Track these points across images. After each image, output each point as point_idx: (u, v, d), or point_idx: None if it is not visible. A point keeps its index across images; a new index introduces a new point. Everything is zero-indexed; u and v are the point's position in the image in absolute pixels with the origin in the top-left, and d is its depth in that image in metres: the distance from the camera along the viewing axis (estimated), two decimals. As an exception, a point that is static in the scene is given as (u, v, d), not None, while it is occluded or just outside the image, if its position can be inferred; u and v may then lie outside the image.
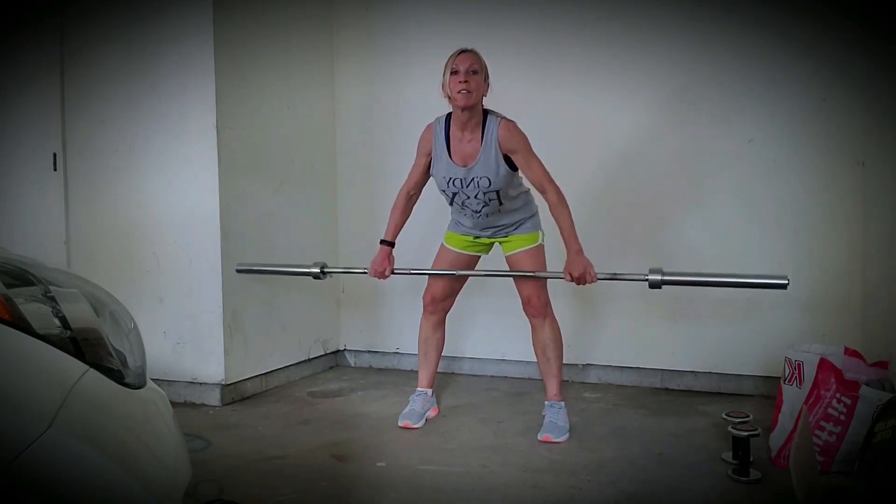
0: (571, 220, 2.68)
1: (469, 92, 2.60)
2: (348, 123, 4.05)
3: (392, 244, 2.95)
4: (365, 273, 3.00)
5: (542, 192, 2.72)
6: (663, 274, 2.66)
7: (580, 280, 2.66)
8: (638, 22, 3.45)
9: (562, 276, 2.70)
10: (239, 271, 3.31)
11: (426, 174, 2.85)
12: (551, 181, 2.69)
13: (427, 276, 3.02)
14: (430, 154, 2.79)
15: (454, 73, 2.63)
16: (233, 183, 3.31)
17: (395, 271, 2.96)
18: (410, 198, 2.92)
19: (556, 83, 3.57)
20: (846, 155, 3.18)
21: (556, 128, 3.54)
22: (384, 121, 3.95)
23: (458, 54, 2.66)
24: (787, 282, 2.58)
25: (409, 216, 2.97)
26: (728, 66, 3.32)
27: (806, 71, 3.21)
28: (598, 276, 2.67)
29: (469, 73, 2.61)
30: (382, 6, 3.95)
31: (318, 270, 3.17)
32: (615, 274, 2.76)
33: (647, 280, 2.67)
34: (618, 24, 3.48)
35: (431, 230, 3.31)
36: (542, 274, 2.82)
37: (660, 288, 2.71)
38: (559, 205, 2.68)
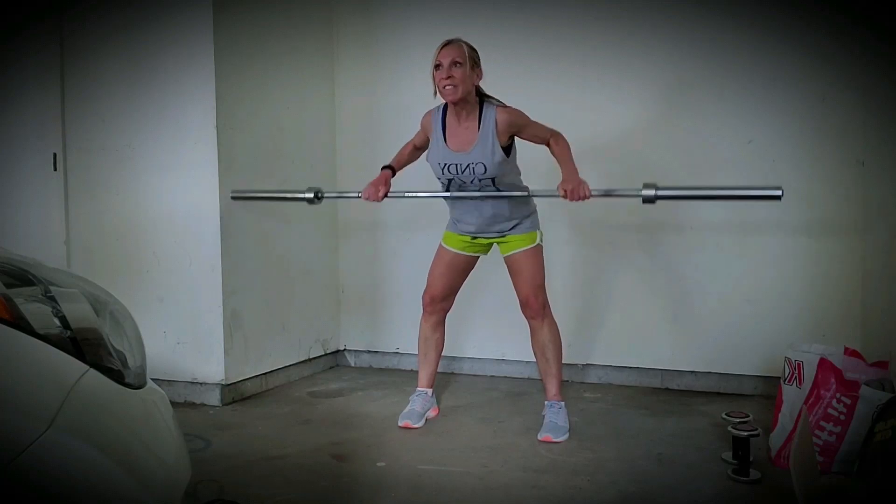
0: (570, 149, 2.71)
1: (454, 86, 2.61)
2: (348, 123, 4.05)
3: (394, 171, 2.95)
4: (359, 197, 2.96)
5: (552, 139, 2.74)
6: (657, 188, 2.65)
7: (573, 193, 2.60)
8: (637, 22, 3.44)
9: (556, 193, 2.65)
10: (234, 198, 3.29)
11: (426, 142, 2.87)
12: (552, 129, 2.74)
13: (427, 276, 3.01)
14: (428, 136, 2.83)
15: (438, 67, 2.64)
16: (233, 183, 3.31)
17: (390, 194, 2.92)
18: (416, 148, 2.97)
19: (556, 83, 3.57)
20: (846, 155, 3.18)
21: (554, 126, 3.53)
22: (384, 121, 3.95)
23: (441, 47, 2.67)
24: (780, 192, 2.56)
25: (414, 160, 2.99)
26: (728, 65, 3.32)
27: (806, 71, 3.21)
28: (592, 192, 2.62)
29: (452, 66, 2.61)
30: (382, 6, 3.95)
31: (313, 195, 3.18)
32: (609, 190, 2.73)
33: (640, 195, 2.66)
34: (617, 24, 3.48)
35: (431, 229, 3.32)
36: (537, 192, 2.78)
37: (654, 202, 2.67)
38: (561, 138, 2.72)
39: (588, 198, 2.61)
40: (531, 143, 2.78)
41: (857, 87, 3.13)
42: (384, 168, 2.95)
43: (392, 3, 3.93)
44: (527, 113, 2.76)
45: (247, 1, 3.41)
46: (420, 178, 3.10)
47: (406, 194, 3.03)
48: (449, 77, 2.61)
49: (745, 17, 3.28)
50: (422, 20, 3.84)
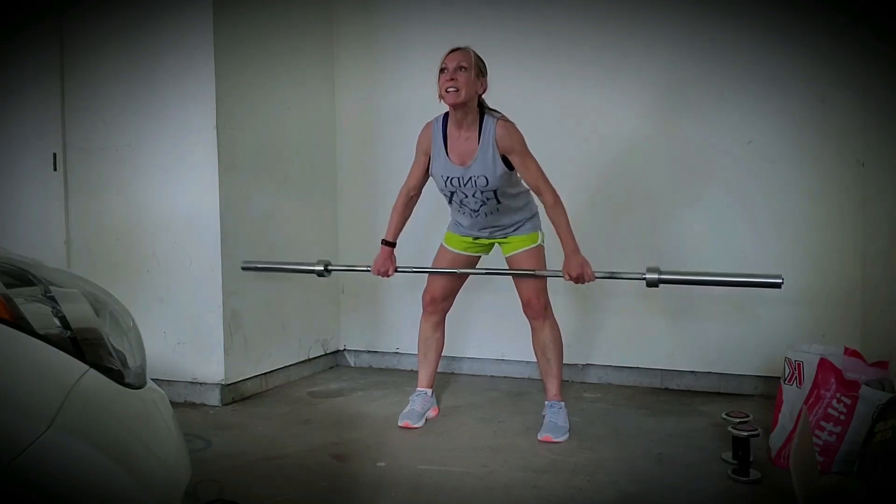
0: (567, 220, 2.70)
1: (457, 90, 2.60)
2: (348, 123, 4.05)
3: (393, 244, 2.96)
4: (368, 271, 3.01)
5: (538, 194, 2.73)
6: (660, 273, 2.69)
7: (578, 279, 2.68)
8: (637, 23, 3.45)
9: (561, 274, 2.72)
10: (244, 269, 3.35)
11: (426, 174, 2.85)
12: (547, 182, 2.69)
13: (427, 276, 3.02)
14: (428, 153, 2.79)
15: (443, 70, 2.64)
16: (233, 183, 3.31)
17: (399, 269, 2.97)
18: (411, 198, 2.93)
19: (555, 83, 3.57)
20: (846, 155, 3.18)
21: (554, 128, 3.54)
22: (384, 120, 3.95)
23: (449, 53, 2.67)
24: (781, 281, 2.60)
25: (409, 216, 2.97)
26: (728, 66, 3.32)
27: (806, 71, 3.21)
28: (596, 274, 2.69)
29: (457, 70, 2.61)
30: (382, 6, 3.95)
31: (322, 268, 3.25)
32: (613, 273, 2.79)
33: (644, 279, 2.70)
34: (617, 25, 3.48)
35: (431, 230, 3.32)
36: (542, 272, 2.83)
37: (657, 286, 2.74)
38: (555, 206, 2.69)
39: (593, 280, 2.70)
40: (519, 174, 2.72)
41: (857, 87, 3.13)
42: (384, 243, 2.95)
43: (392, 3, 3.93)
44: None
45: (247, 1, 3.42)
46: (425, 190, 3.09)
47: (415, 269, 3.06)
48: (452, 80, 2.60)
49: (745, 17, 3.28)
50: (422, 20, 3.85)
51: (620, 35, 3.47)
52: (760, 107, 3.29)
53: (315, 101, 3.93)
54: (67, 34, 3.45)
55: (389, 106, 3.93)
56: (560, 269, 2.72)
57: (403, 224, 2.97)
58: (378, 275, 2.99)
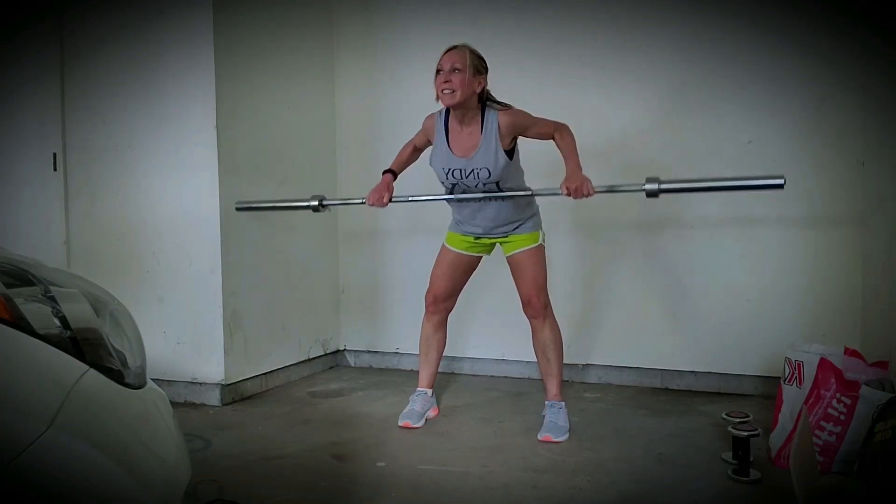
0: (575, 143, 2.68)
1: (452, 91, 2.61)
2: (348, 123, 4.05)
3: (395, 175, 2.95)
4: (363, 203, 2.96)
5: (556, 131, 2.72)
6: (660, 182, 2.65)
7: (577, 192, 2.58)
8: (637, 22, 3.45)
9: (559, 192, 2.63)
10: (238, 209, 3.32)
11: (427, 145, 2.89)
12: (556, 121, 2.73)
13: (430, 276, 3.02)
14: (430, 138, 2.83)
15: (439, 71, 2.65)
16: (233, 183, 3.31)
17: (394, 199, 2.92)
18: (416, 149, 2.97)
19: (556, 83, 3.57)
20: (846, 155, 3.18)
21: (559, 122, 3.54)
22: (384, 120, 3.95)
23: (445, 53, 2.67)
24: (782, 181, 2.55)
25: (414, 161, 3.00)
26: (728, 66, 3.32)
27: (806, 71, 3.21)
28: (596, 188, 2.61)
29: (451, 71, 2.61)
30: (382, 6, 3.95)
31: (317, 203, 3.22)
32: (612, 186, 2.73)
33: (644, 189, 2.66)
34: (617, 25, 3.48)
35: (432, 229, 3.32)
36: (539, 191, 2.77)
37: (657, 196, 2.68)
38: (567, 130, 2.70)
39: (591, 195, 2.60)
40: (538, 139, 2.77)
41: (857, 87, 3.13)
42: (385, 172, 2.95)
43: (392, 3, 3.93)
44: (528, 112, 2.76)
45: (247, 1, 3.42)
46: (420, 180, 3.10)
47: (410, 198, 3.03)
48: (447, 82, 2.61)
49: (745, 18, 3.28)
50: (422, 21, 3.85)
51: (620, 35, 3.47)
52: (760, 107, 3.29)
53: (315, 101, 3.93)
54: (67, 34, 3.45)
55: (389, 106, 3.93)
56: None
57: (408, 163, 2.99)
58: (373, 203, 2.89)
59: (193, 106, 3.26)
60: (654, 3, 3.42)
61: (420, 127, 2.92)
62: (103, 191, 3.44)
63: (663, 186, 2.65)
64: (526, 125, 2.71)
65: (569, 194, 2.60)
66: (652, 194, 2.67)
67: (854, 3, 3.11)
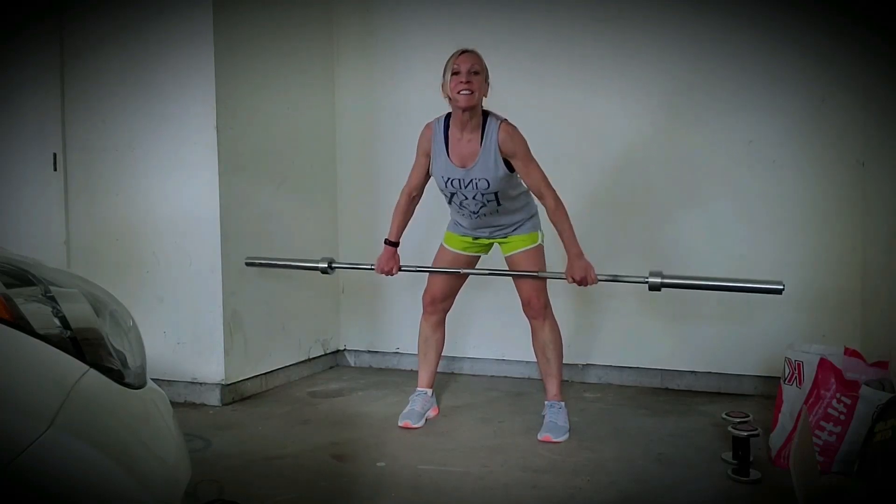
0: (570, 225, 2.71)
1: (471, 92, 2.60)
2: (348, 123, 4.05)
3: (396, 244, 2.96)
4: (372, 269, 3.01)
5: (540, 198, 2.73)
6: (663, 277, 2.69)
7: (582, 282, 2.69)
8: (637, 23, 3.45)
9: (563, 276, 2.73)
10: (248, 264, 3.35)
11: (427, 174, 2.85)
12: (549, 187, 2.69)
13: (427, 276, 3.02)
14: (429, 154, 2.78)
15: (455, 73, 2.61)
16: (233, 183, 3.31)
17: (403, 268, 2.98)
18: (412, 199, 2.92)
19: (556, 84, 3.57)
20: (846, 155, 3.18)
21: (555, 129, 3.54)
22: (384, 120, 3.95)
23: (460, 54, 2.65)
24: (782, 288, 2.60)
25: (411, 217, 2.97)
26: (728, 66, 3.32)
27: (806, 71, 3.21)
28: (599, 277, 2.71)
29: (471, 73, 2.60)
30: (382, 7, 3.95)
31: (326, 265, 3.24)
32: (616, 276, 2.80)
33: (647, 282, 2.72)
34: (617, 26, 3.48)
35: (431, 229, 3.31)
36: (544, 274, 2.83)
37: (659, 290, 2.75)
38: (557, 210, 2.69)
39: (595, 283, 2.71)
40: (523, 179, 2.73)
41: (857, 87, 3.13)
42: (387, 243, 2.96)
43: (392, 4, 3.93)
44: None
45: (247, 1, 3.42)
46: (427, 195, 3.08)
47: (418, 268, 3.06)
48: (468, 83, 2.60)
49: (745, 18, 3.28)
50: (422, 21, 3.84)
51: (620, 36, 3.47)
52: (760, 107, 3.29)
53: (315, 101, 3.93)
54: (67, 34, 3.45)
55: (389, 106, 3.93)
56: (561, 270, 2.73)
57: (406, 224, 2.97)
58: (382, 273, 2.99)
59: (193, 106, 3.26)
60: (654, 3, 3.42)
61: (417, 138, 2.84)
62: (103, 191, 3.44)
63: (665, 280, 2.71)
64: (515, 154, 2.65)
65: (572, 282, 2.71)
66: (654, 288, 2.73)
67: (854, 3, 3.11)
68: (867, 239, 3.09)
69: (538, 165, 2.69)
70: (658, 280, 2.71)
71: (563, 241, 2.72)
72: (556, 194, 2.69)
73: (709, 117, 3.37)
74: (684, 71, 3.40)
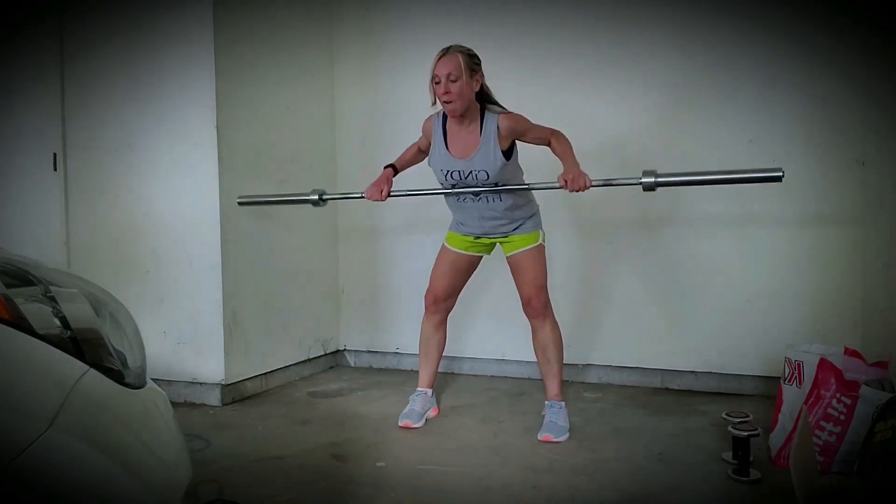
0: (571, 146, 2.69)
1: (451, 101, 2.62)
2: (348, 124, 4.06)
3: (396, 170, 2.95)
4: (362, 197, 2.96)
5: (553, 138, 2.72)
6: (657, 176, 2.64)
7: (574, 183, 2.58)
8: (637, 23, 3.45)
9: (557, 185, 2.63)
10: (241, 203, 3.30)
11: (429, 146, 2.87)
12: (552, 128, 2.72)
13: (430, 277, 3.02)
14: (430, 140, 2.82)
15: (436, 82, 2.63)
16: (233, 183, 3.31)
17: (393, 193, 2.91)
18: (420, 151, 2.95)
19: (556, 84, 3.58)
20: (846, 155, 3.18)
21: (555, 127, 3.53)
22: (384, 121, 3.95)
23: (437, 60, 2.64)
24: (781, 174, 2.51)
25: (418, 162, 2.98)
26: (728, 66, 3.32)
27: (806, 71, 3.21)
28: (593, 181, 2.60)
29: (448, 81, 2.60)
30: (382, 7, 3.95)
31: (317, 197, 3.19)
32: (609, 179, 2.71)
33: (640, 183, 2.65)
34: (617, 25, 3.48)
35: (431, 229, 3.32)
36: (537, 185, 2.77)
37: (654, 190, 2.67)
38: (564, 136, 2.70)
39: (588, 187, 2.59)
40: (536, 144, 2.77)
41: (858, 87, 3.13)
42: (386, 167, 2.95)
43: (392, 3, 3.93)
44: (527, 116, 2.76)
45: (247, 1, 3.42)
46: (419, 179, 3.10)
47: (409, 192, 3.02)
48: (447, 93, 2.60)
49: (746, 17, 3.28)
50: (421, 20, 3.85)
51: (620, 35, 3.47)
52: (761, 106, 3.29)
53: (315, 101, 3.93)
54: (67, 34, 3.45)
55: (389, 106, 3.93)
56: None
57: (412, 162, 2.98)
58: (371, 197, 2.90)
59: (193, 106, 3.26)
60: (654, 2, 3.42)
61: (420, 131, 2.91)
62: (103, 191, 3.44)
63: (660, 180, 2.64)
64: (524, 129, 2.71)
65: (565, 186, 2.59)
66: (649, 188, 2.65)
67: (854, 3, 3.11)
68: (867, 239, 3.10)
69: (539, 125, 2.73)
70: (652, 179, 2.63)
71: (561, 157, 2.66)
72: (558, 130, 2.72)
73: (709, 116, 3.37)
74: (684, 71, 3.39)
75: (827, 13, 3.16)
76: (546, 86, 3.58)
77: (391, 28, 3.93)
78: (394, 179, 2.93)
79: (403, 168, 2.98)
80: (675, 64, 3.41)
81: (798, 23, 3.21)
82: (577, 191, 2.59)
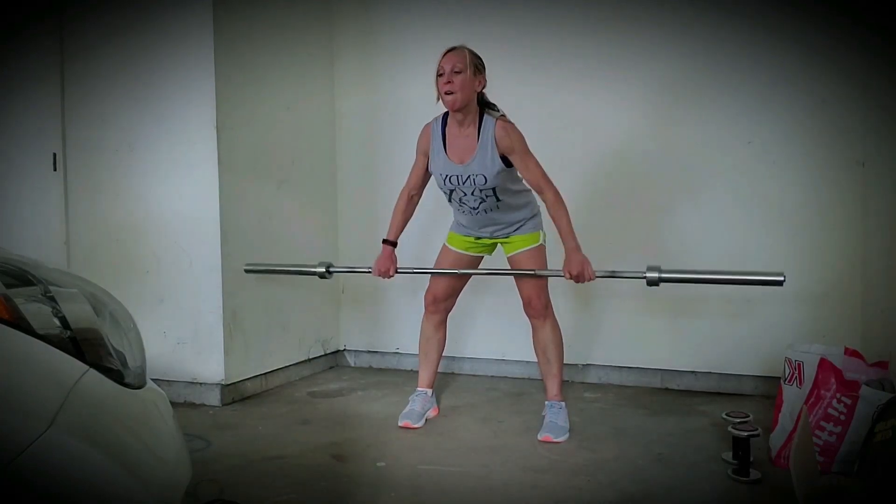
0: (569, 219, 2.69)
1: (454, 93, 2.61)
2: (348, 123, 4.05)
3: (394, 244, 2.96)
4: (369, 272, 3.00)
5: (539, 193, 2.73)
6: (661, 272, 2.67)
7: (579, 278, 2.66)
8: (637, 23, 3.45)
9: (561, 274, 2.70)
10: (247, 271, 3.35)
11: (426, 174, 2.85)
12: (548, 181, 2.69)
13: (429, 276, 3.02)
14: (427, 153, 2.80)
15: (440, 74, 2.64)
16: (233, 183, 3.31)
17: (399, 270, 2.96)
18: (412, 199, 2.93)
19: (555, 84, 3.57)
20: (846, 155, 3.18)
21: (555, 128, 3.54)
22: (384, 120, 3.95)
23: (444, 54, 2.67)
24: (782, 279, 2.58)
25: (410, 217, 2.97)
26: (728, 67, 3.32)
27: (806, 71, 3.21)
28: (597, 273, 2.68)
29: (453, 73, 2.61)
30: (382, 6, 3.95)
31: (324, 270, 3.24)
32: (614, 272, 2.77)
33: (645, 277, 2.69)
34: (618, 25, 3.48)
35: (431, 229, 3.32)
36: (542, 272, 2.83)
37: (657, 285, 2.72)
38: (557, 204, 2.68)
39: (593, 279, 2.68)
40: (522, 175, 2.73)
41: (857, 87, 3.13)
42: (384, 242, 2.95)
43: (392, 3, 3.93)
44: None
45: (247, 1, 3.41)
46: (427, 195, 3.09)
47: (415, 270, 3.06)
48: (449, 83, 2.61)
49: (745, 18, 3.28)
50: (422, 20, 3.85)
51: (619, 35, 3.47)
52: (760, 107, 3.29)
53: (315, 101, 3.93)
54: (67, 34, 3.45)
55: (389, 106, 3.93)
56: (561, 268, 2.72)
57: (405, 224, 2.97)
58: (379, 276, 2.97)
59: (193, 106, 3.26)
60: (654, 2, 3.42)
61: (417, 136, 2.84)
62: (103, 191, 3.44)
63: (663, 276, 2.68)
64: (513, 150, 2.65)
65: (571, 278, 2.67)
66: (652, 283, 2.70)
67: (854, 3, 3.11)
68: (867, 239, 3.10)
69: (536, 160, 2.69)
70: (656, 275, 2.68)
71: (560, 235, 2.70)
72: (555, 188, 2.69)
73: (709, 116, 3.37)
74: (684, 70, 3.39)
75: (827, 13, 3.16)
76: (546, 86, 3.58)
77: (391, 28, 3.93)
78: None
79: (400, 234, 2.96)
80: (675, 64, 3.41)
81: (798, 23, 3.21)
82: (582, 283, 2.69)
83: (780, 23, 3.23)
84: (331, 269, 3.25)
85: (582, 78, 3.54)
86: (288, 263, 3.49)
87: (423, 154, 2.82)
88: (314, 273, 3.26)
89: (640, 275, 2.71)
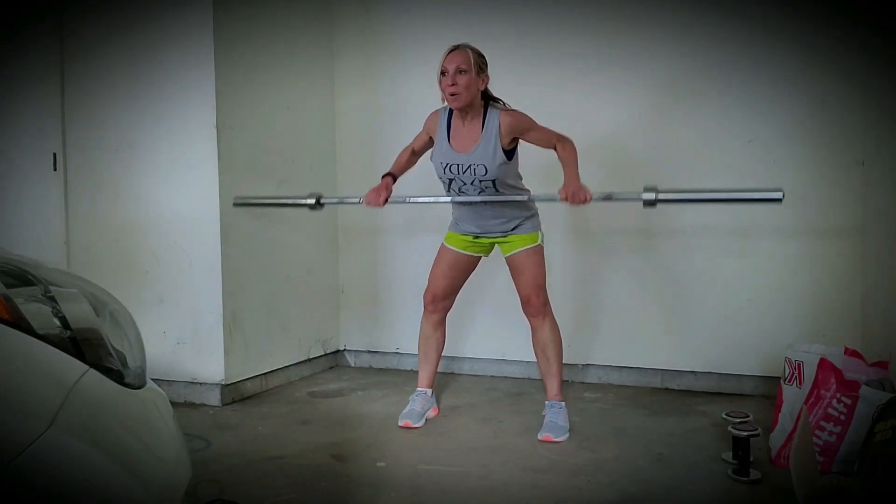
0: (576, 155, 2.70)
1: (457, 93, 2.63)
2: (348, 123, 4.05)
3: (395, 178, 2.94)
4: (360, 203, 2.95)
5: (559, 143, 2.73)
6: (658, 192, 2.62)
7: (574, 197, 2.60)
8: (637, 23, 3.44)
9: (556, 197, 2.65)
10: (236, 204, 3.26)
11: (428, 145, 2.89)
12: (559, 133, 2.73)
13: (429, 276, 3.02)
14: (432, 135, 2.84)
15: (443, 74, 2.66)
16: (233, 183, 3.31)
17: (391, 200, 2.90)
18: (414, 153, 2.96)
19: (555, 83, 3.57)
20: (846, 155, 3.18)
21: (554, 125, 3.53)
22: (384, 121, 3.95)
23: (448, 53, 2.68)
24: (781, 195, 2.52)
25: (412, 166, 2.99)
26: (728, 66, 3.32)
27: (806, 71, 3.21)
28: (593, 195, 2.61)
29: (456, 73, 2.63)
30: (382, 7, 3.95)
31: (314, 201, 3.13)
32: (609, 194, 2.71)
33: (641, 199, 2.63)
34: (618, 25, 3.48)
35: (431, 229, 3.31)
36: (539, 196, 2.78)
37: (654, 206, 2.65)
38: (572, 147, 2.70)
39: (588, 201, 2.62)
40: (538, 146, 2.77)
41: (857, 87, 3.13)
42: (385, 175, 2.94)
43: (392, 3, 3.93)
44: (531, 116, 2.76)
45: (247, 1, 3.41)
46: (420, 182, 3.10)
47: (407, 199, 3.03)
48: (453, 84, 2.63)
49: (745, 17, 3.28)
50: (422, 20, 3.84)
51: (619, 35, 3.47)
52: (761, 106, 3.29)
53: (315, 101, 3.93)
54: (67, 34, 3.45)
55: (389, 106, 3.93)
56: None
57: (407, 167, 2.99)
58: (369, 203, 2.89)
59: (193, 106, 3.26)
60: (654, 2, 3.42)
61: (421, 127, 2.92)
62: (103, 191, 3.44)
63: (661, 196, 2.62)
64: (526, 128, 2.72)
65: (566, 199, 2.62)
66: (649, 203, 2.63)
67: (854, 3, 3.11)
68: (867, 238, 3.09)
69: (544, 127, 2.74)
70: (653, 195, 2.60)
71: (564, 165, 2.68)
72: (565, 135, 2.72)
73: (708, 116, 3.37)
74: (684, 69, 3.39)
75: (827, 13, 3.16)
76: (546, 86, 3.58)
77: (391, 28, 3.93)
78: (393, 186, 2.92)
79: (401, 173, 2.97)
80: (675, 64, 3.40)
81: (798, 23, 3.21)
82: (578, 204, 2.62)
83: (780, 23, 3.23)
84: (321, 200, 3.14)
85: (582, 78, 3.54)
86: (277, 196, 3.43)
87: (428, 133, 2.87)
88: (304, 205, 3.14)
89: (636, 197, 2.64)
